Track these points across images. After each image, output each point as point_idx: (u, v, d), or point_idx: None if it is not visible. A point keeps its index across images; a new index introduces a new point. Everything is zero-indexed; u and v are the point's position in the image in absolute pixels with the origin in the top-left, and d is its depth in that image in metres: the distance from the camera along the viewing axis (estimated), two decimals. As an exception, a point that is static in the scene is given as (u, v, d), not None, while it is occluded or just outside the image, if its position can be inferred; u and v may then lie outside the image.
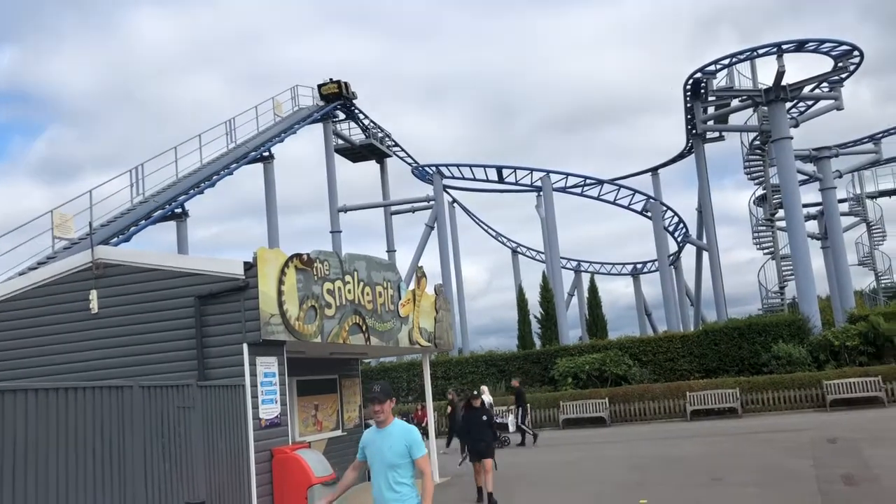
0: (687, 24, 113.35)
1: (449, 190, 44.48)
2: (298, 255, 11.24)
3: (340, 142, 42.30)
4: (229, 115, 39.92)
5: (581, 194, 41.67)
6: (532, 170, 39.99)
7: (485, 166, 40.78)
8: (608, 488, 12.96)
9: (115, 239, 24.39)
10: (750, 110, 36.08)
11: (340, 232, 39.95)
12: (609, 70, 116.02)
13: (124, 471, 8.08)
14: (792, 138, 33.13)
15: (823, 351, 27.65)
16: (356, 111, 41.65)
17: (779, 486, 11.81)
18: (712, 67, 33.58)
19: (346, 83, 40.38)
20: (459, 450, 9.56)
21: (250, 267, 10.58)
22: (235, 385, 10.29)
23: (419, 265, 18.56)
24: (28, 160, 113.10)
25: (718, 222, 45.29)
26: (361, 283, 12.88)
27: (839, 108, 34.51)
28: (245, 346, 10.43)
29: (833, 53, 32.15)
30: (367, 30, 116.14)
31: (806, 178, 39.36)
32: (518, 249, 54.23)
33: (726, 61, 33.22)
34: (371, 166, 46.84)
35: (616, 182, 42.47)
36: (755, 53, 32.62)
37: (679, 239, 45.18)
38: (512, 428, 23.02)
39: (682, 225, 44.02)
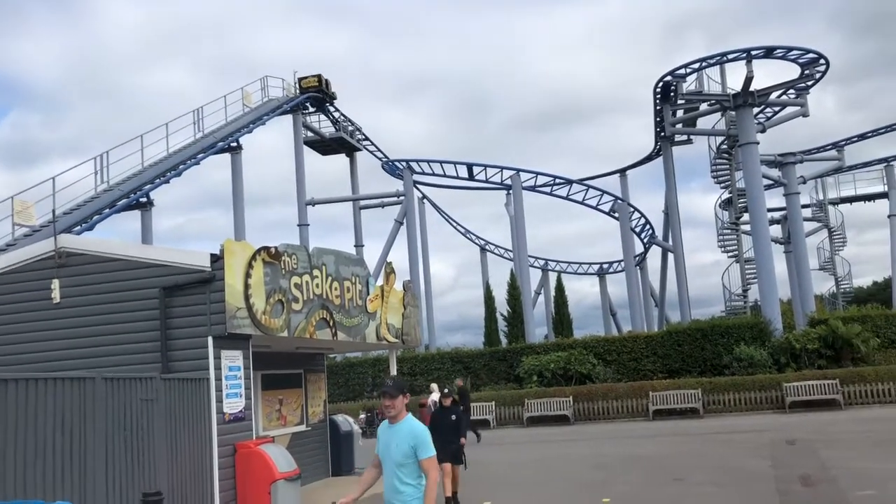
0: (658, 27, 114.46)
1: (419, 186, 44.47)
2: (266, 248, 11.13)
3: (310, 134, 41.98)
4: (198, 104, 39.44)
5: (550, 193, 41.93)
6: (502, 168, 40.11)
7: (455, 163, 40.80)
8: (572, 487, 13.04)
9: (78, 227, 23.96)
10: (718, 114, 36.52)
11: (308, 225, 39.71)
12: (581, 71, 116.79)
13: (84, 464, 7.95)
14: (758, 143, 33.58)
15: (784, 353, 28.09)
16: (327, 104, 41.43)
17: (738, 486, 11.99)
18: (682, 71, 33.93)
19: (327, 80, 40.34)
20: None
21: (217, 259, 10.47)
22: (200, 378, 10.18)
23: (388, 261, 18.49)
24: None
25: (684, 224, 45.85)
26: (329, 278, 12.81)
27: (805, 115, 35.08)
28: (210, 340, 10.33)
29: (800, 61, 32.65)
30: (341, 22, 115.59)
31: (771, 182, 39.93)
32: (486, 247, 54.37)
33: (696, 65, 33.58)
34: (341, 160, 46.64)
35: (585, 182, 42.78)
36: (725, 58, 33.00)
37: (645, 240, 45.62)
38: None
39: (648, 226, 44.45)
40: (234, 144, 34.34)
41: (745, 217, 36.43)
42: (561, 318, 43.33)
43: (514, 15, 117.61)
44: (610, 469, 14.98)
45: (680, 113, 38.11)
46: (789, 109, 35.69)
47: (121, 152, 26.76)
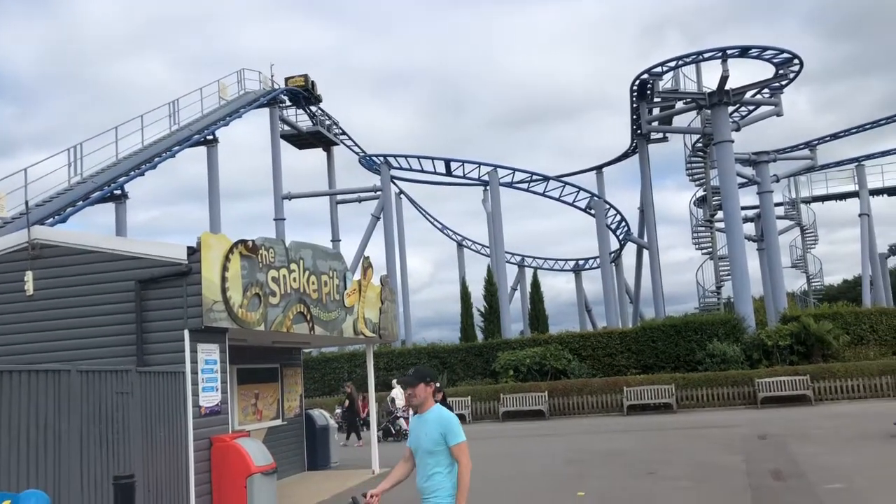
0: (636, 26, 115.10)
1: (396, 181, 44.40)
2: (243, 242, 11.09)
3: (287, 128, 41.77)
4: (174, 97, 39.10)
5: (527, 190, 42.08)
6: (480, 164, 40.20)
7: (433, 158, 40.80)
8: (547, 481, 13.14)
9: (51, 219, 23.68)
10: (693, 113, 36.83)
11: (284, 219, 39.52)
12: (559, 68, 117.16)
13: (59, 457, 7.89)
14: (733, 142, 33.93)
15: (756, 350, 28.45)
16: (302, 98, 41.26)
17: (711, 481, 12.15)
18: (659, 69, 34.17)
19: (313, 82, 40.41)
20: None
21: (193, 252, 10.41)
22: (175, 372, 10.13)
23: (365, 255, 18.47)
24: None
25: (659, 222, 46.22)
26: (307, 272, 12.78)
27: (779, 115, 35.51)
28: (186, 333, 10.27)
29: (775, 61, 33.01)
30: (321, 18, 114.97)
31: (745, 181, 40.35)
32: (463, 243, 54.44)
33: (672, 64, 33.84)
34: (317, 154, 46.44)
35: (561, 179, 42.98)
36: (700, 57, 33.29)
37: (621, 237, 45.95)
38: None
39: (624, 223, 44.77)
40: (210, 137, 34.10)
41: (720, 215, 36.81)
42: (537, 313, 43.49)
43: (494, 12, 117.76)
44: (584, 463, 15.10)
45: (656, 111, 38.38)
46: (763, 109, 36.10)
47: (95, 144, 26.52)
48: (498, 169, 39.72)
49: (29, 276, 10.98)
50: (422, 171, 41.46)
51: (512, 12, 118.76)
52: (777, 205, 43.65)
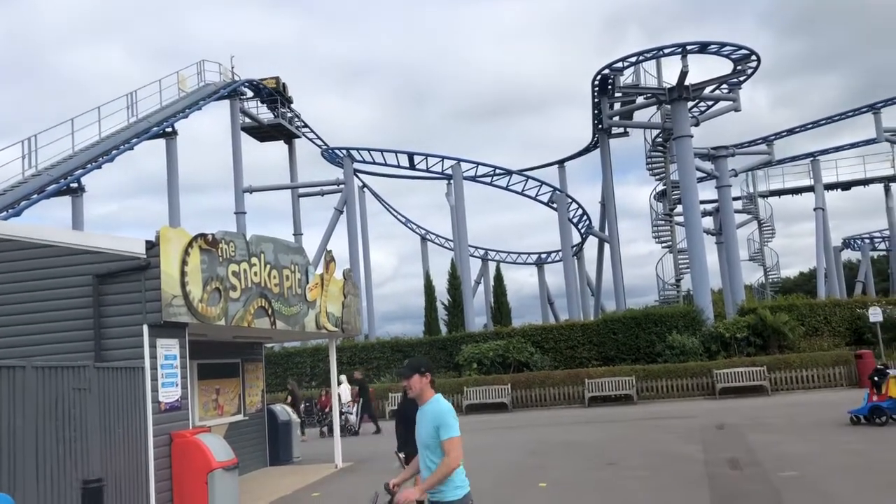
0: (598, 21, 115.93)
1: (359, 174, 44.19)
2: (203, 236, 10.98)
3: (248, 120, 41.38)
4: (132, 88, 38.48)
5: (490, 184, 42.17)
6: (443, 157, 40.16)
7: (396, 152, 40.68)
8: (509, 472, 13.25)
9: (5, 213, 23.21)
10: (654, 108, 37.25)
11: (245, 213, 39.11)
12: (523, 63, 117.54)
13: (14, 454, 7.75)
14: (692, 137, 34.36)
15: (715, 342, 28.92)
16: (262, 88, 40.92)
17: (669, 470, 12.36)
18: (620, 64, 34.47)
19: (284, 84, 40.50)
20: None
21: (152, 246, 10.28)
22: (134, 367, 10.01)
23: (328, 249, 18.40)
24: None
25: (620, 216, 46.67)
26: (268, 266, 12.69)
27: (737, 110, 36.11)
28: (145, 328, 10.16)
29: (733, 57, 33.50)
30: (282, 8, 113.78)
31: (704, 175, 40.89)
32: (427, 236, 54.42)
33: (633, 59, 34.14)
34: (279, 147, 46.07)
35: (524, 173, 43.16)
36: (661, 53, 33.65)
37: (582, 230, 46.31)
38: (355, 418, 23.75)
39: (585, 217, 45.12)
40: (170, 130, 33.60)
41: (679, 209, 37.30)
42: (500, 306, 43.78)
43: (457, 5, 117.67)
44: (546, 455, 15.25)
45: (617, 106, 38.72)
46: (722, 104, 36.64)
47: (50, 136, 26.03)
48: (461, 163, 39.76)
49: (-18, 270, 10.74)
50: (385, 164, 41.32)
51: (476, 4, 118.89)
52: (735, 199, 44.30)
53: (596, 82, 36.22)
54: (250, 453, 15.74)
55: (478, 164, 40.66)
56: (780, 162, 47.44)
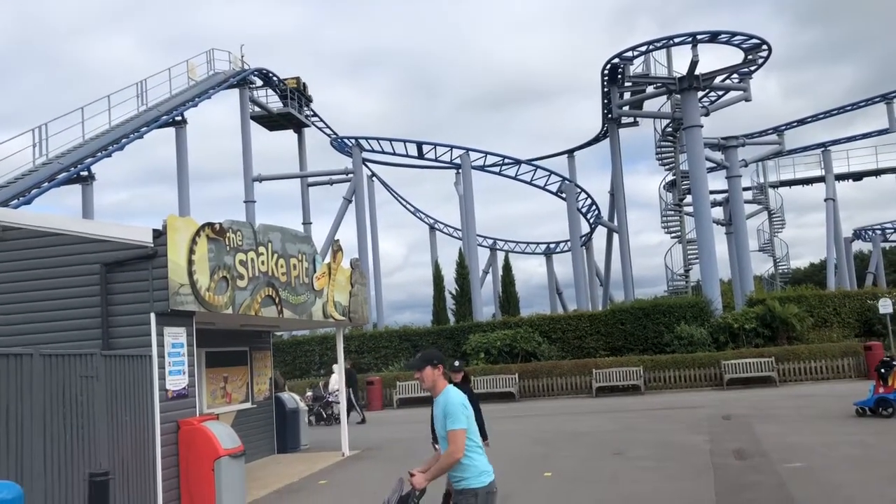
0: (609, 11, 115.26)
1: (368, 163, 44.19)
2: (210, 225, 11.01)
3: (257, 109, 41.41)
4: (141, 77, 38.57)
5: (499, 173, 42.08)
6: (452, 147, 40.09)
7: (405, 141, 40.63)
8: (515, 462, 13.27)
9: (16, 201, 23.34)
10: (664, 97, 37.08)
11: (255, 202, 39.23)
12: (532, 52, 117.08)
13: (21, 442, 7.81)
14: (702, 127, 34.20)
15: (723, 333, 28.84)
16: (272, 77, 40.94)
17: (675, 460, 12.37)
18: (630, 54, 34.29)
19: (305, 83, 40.82)
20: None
21: (160, 235, 10.32)
22: (142, 355, 10.07)
23: (336, 238, 18.45)
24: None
25: (629, 206, 46.52)
26: (275, 255, 12.73)
27: (747, 100, 35.88)
28: (153, 316, 10.20)
29: (744, 46, 33.28)
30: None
31: (714, 165, 40.74)
32: (436, 226, 54.41)
33: (643, 48, 33.96)
34: (288, 136, 46.10)
35: (533, 163, 43.03)
36: (671, 42, 33.46)
37: (591, 220, 46.21)
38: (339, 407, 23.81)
39: (594, 207, 45.01)
40: (179, 118, 33.68)
41: (688, 199, 37.16)
42: (508, 296, 43.69)
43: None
44: (552, 444, 15.28)
45: (627, 95, 38.56)
46: (732, 94, 36.43)
47: (61, 124, 26.15)
48: (470, 152, 39.68)
49: (-9, 258, 10.81)
50: (394, 153, 41.28)
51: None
52: (745, 189, 44.14)
53: (606, 72, 36.04)
54: (258, 441, 15.84)
55: (487, 153, 40.59)
56: (791, 152, 47.18)
